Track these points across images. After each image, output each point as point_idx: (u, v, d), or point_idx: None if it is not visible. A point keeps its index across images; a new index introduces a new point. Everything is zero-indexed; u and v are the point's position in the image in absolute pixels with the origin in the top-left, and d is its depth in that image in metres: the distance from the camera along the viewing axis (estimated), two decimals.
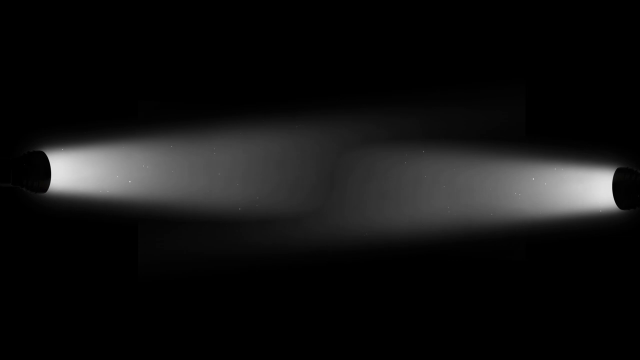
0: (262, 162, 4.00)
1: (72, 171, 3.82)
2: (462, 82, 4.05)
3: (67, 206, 3.82)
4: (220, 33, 4.03)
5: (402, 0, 4.07)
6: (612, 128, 3.99)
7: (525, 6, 4.06)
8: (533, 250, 4.01)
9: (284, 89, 4.03)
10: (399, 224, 4.01)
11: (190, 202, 3.94)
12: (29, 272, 3.90)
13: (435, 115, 4.04)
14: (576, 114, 4.03)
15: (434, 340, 4.02)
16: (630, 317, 3.98)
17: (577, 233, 3.93)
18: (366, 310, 4.03)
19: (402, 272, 4.03)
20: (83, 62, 3.95)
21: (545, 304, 4.02)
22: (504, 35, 4.06)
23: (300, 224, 3.98)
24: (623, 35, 4.03)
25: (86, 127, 3.88)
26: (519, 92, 4.05)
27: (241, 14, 4.03)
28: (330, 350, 4.01)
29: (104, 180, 3.85)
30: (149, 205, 3.90)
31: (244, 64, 4.03)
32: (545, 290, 4.02)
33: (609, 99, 4.02)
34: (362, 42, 4.06)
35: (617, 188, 3.84)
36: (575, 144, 3.97)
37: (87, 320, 3.92)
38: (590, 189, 3.91)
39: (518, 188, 3.99)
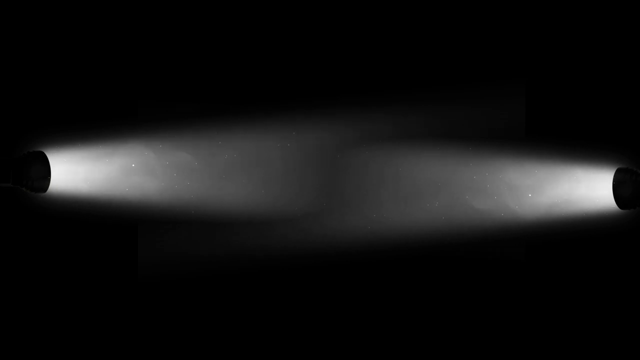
0: (262, 162, 4.00)
1: (72, 171, 3.82)
2: (462, 81, 4.05)
3: (67, 206, 3.83)
4: (220, 33, 4.03)
5: (403, 0, 4.07)
6: (612, 128, 3.99)
7: (525, 6, 4.05)
8: (532, 251, 4.01)
9: (284, 89, 4.03)
10: (398, 224, 4.01)
11: (190, 203, 3.94)
12: (29, 272, 3.91)
13: (436, 114, 4.04)
14: (576, 114, 4.03)
15: (433, 340, 4.02)
16: (631, 317, 3.98)
17: (577, 233, 3.93)
18: (366, 310, 4.03)
19: (401, 273, 4.03)
20: (83, 62, 3.95)
21: (545, 305, 4.02)
22: (504, 35, 4.06)
23: (299, 224, 3.98)
24: (623, 35, 4.03)
25: (86, 127, 3.88)
26: (519, 92, 4.04)
27: (241, 14, 4.03)
28: (331, 350, 4.01)
29: (103, 180, 3.86)
30: (148, 205, 3.90)
31: (244, 64, 4.03)
32: (544, 291, 4.02)
33: (609, 99, 4.02)
34: (363, 42, 4.06)
35: (618, 188, 3.84)
36: (575, 144, 3.97)
37: (87, 320, 3.93)
38: (590, 189, 3.91)
39: (517, 188, 3.99)
